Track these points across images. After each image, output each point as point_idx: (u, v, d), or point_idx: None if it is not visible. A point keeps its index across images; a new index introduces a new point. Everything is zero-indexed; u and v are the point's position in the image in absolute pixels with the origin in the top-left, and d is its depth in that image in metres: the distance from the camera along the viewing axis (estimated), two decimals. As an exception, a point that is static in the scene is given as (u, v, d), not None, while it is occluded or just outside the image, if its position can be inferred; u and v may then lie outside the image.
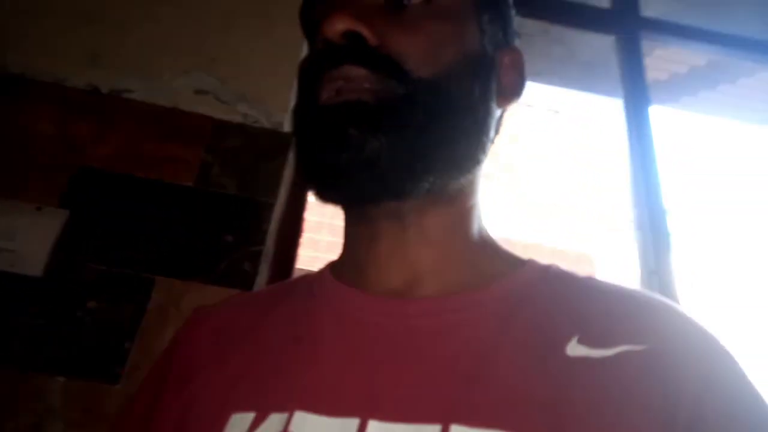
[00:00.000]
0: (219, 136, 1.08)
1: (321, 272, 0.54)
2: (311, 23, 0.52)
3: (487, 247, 0.51)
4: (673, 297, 1.20)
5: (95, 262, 0.95)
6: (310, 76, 0.45)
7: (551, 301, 0.44)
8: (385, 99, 0.42)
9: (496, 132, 0.53)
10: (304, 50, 1.24)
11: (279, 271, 1.05)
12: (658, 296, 0.46)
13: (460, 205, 0.50)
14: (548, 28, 1.80)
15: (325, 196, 0.47)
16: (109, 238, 0.97)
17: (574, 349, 0.39)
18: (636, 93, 1.48)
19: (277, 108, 1.15)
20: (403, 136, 0.42)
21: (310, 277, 0.55)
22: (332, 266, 0.54)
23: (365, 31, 0.43)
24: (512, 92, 0.53)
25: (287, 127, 1.14)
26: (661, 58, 1.73)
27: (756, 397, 0.39)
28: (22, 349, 0.88)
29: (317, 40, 0.46)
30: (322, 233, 7.97)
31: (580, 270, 0.50)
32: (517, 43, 0.57)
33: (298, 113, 0.47)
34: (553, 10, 1.65)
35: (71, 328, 0.90)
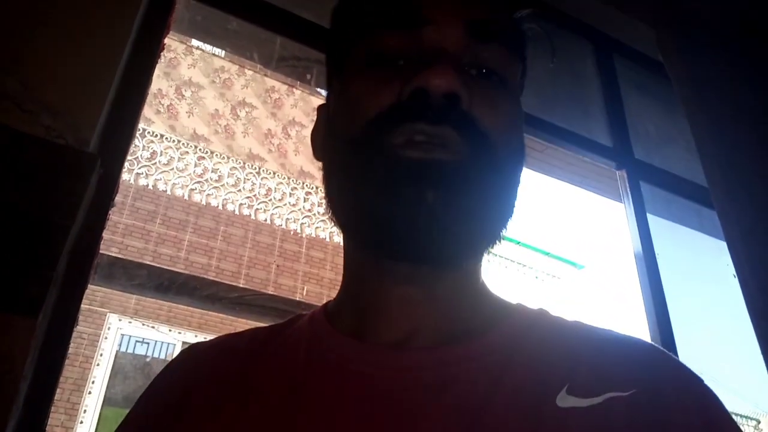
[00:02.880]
0: (15, 148, 1.01)
1: (315, 316, 0.53)
2: (372, 25, 0.50)
3: (483, 295, 0.52)
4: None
5: None
6: (394, 116, 0.44)
7: (541, 350, 0.45)
8: (472, 167, 0.43)
9: None
10: (122, 64, 1.22)
11: (68, 295, 1.02)
12: (644, 340, 0.47)
13: (472, 267, 0.51)
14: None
15: (381, 245, 0.46)
16: None
17: (564, 399, 0.40)
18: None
19: (85, 124, 1.09)
20: (481, 206, 0.43)
21: (304, 320, 0.54)
22: (327, 309, 0.54)
23: (464, 96, 0.43)
24: None
25: (93, 145, 1.11)
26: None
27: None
28: None
29: (397, 75, 0.45)
30: (325, 269, 7.53)
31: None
32: None
33: (357, 153, 0.46)
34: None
35: None
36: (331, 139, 0.52)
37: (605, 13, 2.21)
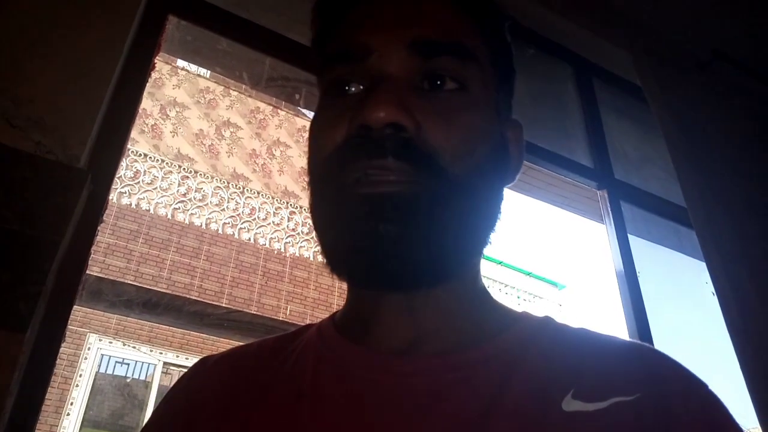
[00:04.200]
0: (5, 164, 1.01)
1: (323, 325, 0.55)
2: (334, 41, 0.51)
3: (486, 304, 0.53)
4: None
5: None
6: (344, 154, 0.45)
7: (546, 356, 0.46)
8: (422, 194, 0.43)
9: None
10: (114, 81, 1.24)
11: (56, 311, 1.02)
12: (646, 345, 0.48)
13: (466, 276, 0.51)
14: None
15: (349, 278, 0.47)
16: None
17: (570, 404, 0.41)
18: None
19: (75, 140, 1.09)
20: (437, 231, 0.43)
21: (312, 330, 0.55)
22: (335, 319, 0.55)
23: (406, 122, 0.43)
24: (516, 168, 0.55)
25: (84, 162, 1.12)
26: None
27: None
28: None
29: (349, 113, 0.46)
30: (308, 289, 7.48)
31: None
32: None
33: (322, 190, 0.47)
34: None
35: None
36: (308, 172, 0.54)
37: (585, 38, 2.27)
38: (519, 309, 0.54)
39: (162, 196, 7.41)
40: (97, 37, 1.22)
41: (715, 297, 1.76)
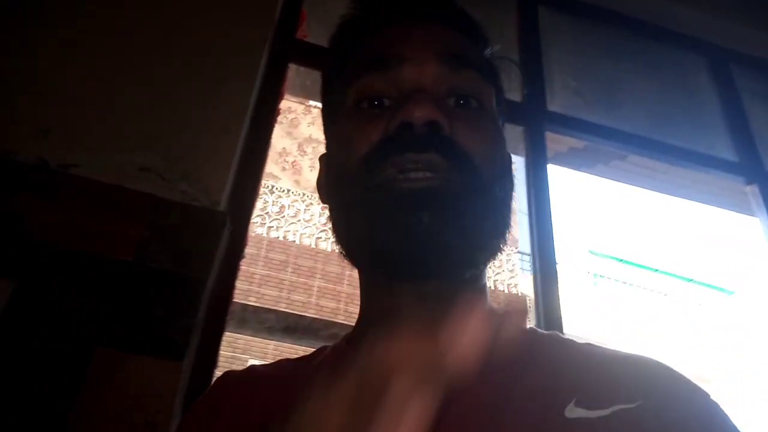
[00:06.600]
0: (158, 213, 1.15)
1: (337, 346, 0.58)
2: (366, 55, 0.56)
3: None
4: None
5: (35, 333, 1.01)
6: (385, 150, 0.48)
7: (551, 367, 0.47)
8: (458, 189, 0.47)
9: None
10: (244, 131, 1.37)
11: (209, 340, 1.15)
12: (649, 357, 0.48)
13: (476, 283, 0.53)
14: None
15: (390, 268, 0.49)
16: (49, 309, 1.04)
17: (573, 411, 0.41)
18: (538, 173, 1.68)
19: (215, 187, 1.23)
20: (472, 222, 0.47)
21: (327, 351, 0.58)
22: (348, 339, 0.58)
23: (444, 123, 0.48)
24: (512, 188, 0.58)
25: (223, 205, 1.25)
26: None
27: None
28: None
29: (387, 112, 0.50)
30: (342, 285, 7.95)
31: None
32: None
33: (357, 189, 0.49)
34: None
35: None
36: (331, 179, 0.57)
37: (716, 24, 2.11)
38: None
39: (306, 227, 7.86)
40: (226, 95, 1.37)
41: None
